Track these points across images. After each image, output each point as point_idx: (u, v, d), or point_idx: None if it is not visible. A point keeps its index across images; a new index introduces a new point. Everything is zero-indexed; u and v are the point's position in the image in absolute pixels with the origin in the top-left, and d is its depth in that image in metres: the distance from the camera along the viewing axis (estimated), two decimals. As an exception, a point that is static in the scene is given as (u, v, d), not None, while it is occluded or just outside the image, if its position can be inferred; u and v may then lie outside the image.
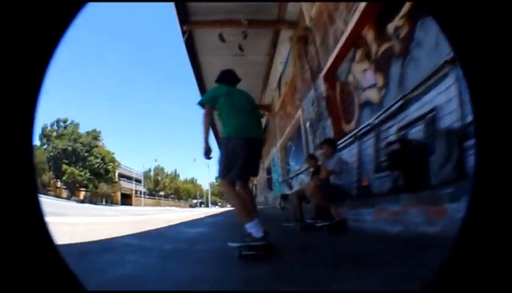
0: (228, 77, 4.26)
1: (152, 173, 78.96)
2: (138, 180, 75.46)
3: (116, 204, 57.79)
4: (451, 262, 1.04)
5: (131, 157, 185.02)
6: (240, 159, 3.62)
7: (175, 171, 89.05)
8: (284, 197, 11.48)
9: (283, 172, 16.37)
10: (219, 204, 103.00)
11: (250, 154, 3.72)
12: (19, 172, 0.94)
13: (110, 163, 52.60)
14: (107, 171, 52.09)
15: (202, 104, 3.91)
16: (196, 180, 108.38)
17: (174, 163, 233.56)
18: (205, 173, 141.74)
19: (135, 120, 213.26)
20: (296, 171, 13.17)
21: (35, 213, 0.99)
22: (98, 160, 50.10)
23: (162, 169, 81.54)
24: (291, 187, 13.73)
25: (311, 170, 8.16)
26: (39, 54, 0.97)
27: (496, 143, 0.97)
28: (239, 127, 3.71)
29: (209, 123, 3.93)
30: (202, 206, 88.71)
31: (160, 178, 80.00)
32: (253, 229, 3.45)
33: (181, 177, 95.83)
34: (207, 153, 3.89)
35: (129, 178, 72.27)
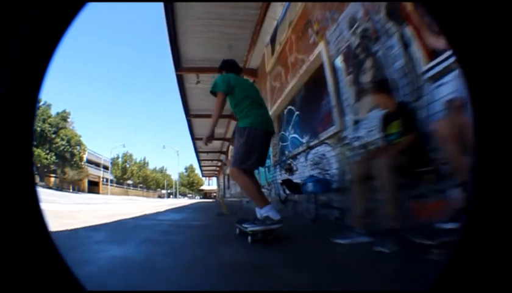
0: (233, 67, 4.25)
1: (120, 160, 73.01)
2: (106, 167, 69.78)
3: (83, 191, 52.86)
4: (454, 262, 0.97)
5: (101, 143, 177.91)
6: (258, 150, 3.67)
7: (144, 159, 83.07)
8: (288, 184, 6.88)
9: (274, 152, 11.54)
10: (189, 195, 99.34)
11: (266, 145, 3.82)
12: (19, 172, 0.90)
13: (76, 147, 47.21)
14: (73, 155, 46.58)
15: (219, 91, 3.77)
16: (166, 169, 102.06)
17: (143, 151, 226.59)
18: (175, 162, 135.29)
19: (105, 105, 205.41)
20: (304, 145, 8.20)
21: (35, 214, 0.94)
22: (64, 143, 44.65)
23: (131, 156, 75.29)
24: (291, 171, 9.07)
25: (387, 111, 3.91)
26: (39, 54, 0.92)
27: (498, 141, 0.92)
28: (260, 119, 3.74)
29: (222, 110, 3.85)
30: (171, 196, 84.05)
31: (127, 165, 73.95)
32: (271, 212, 3.50)
33: (151, 166, 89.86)
34: (210, 139, 3.91)
35: (97, 164, 66.72)
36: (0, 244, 0.83)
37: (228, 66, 4.19)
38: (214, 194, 67.72)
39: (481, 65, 0.91)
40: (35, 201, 0.92)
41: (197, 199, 58.84)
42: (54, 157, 43.25)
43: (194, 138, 26.17)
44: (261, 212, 3.52)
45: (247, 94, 3.82)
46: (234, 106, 3.86)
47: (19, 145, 0.88)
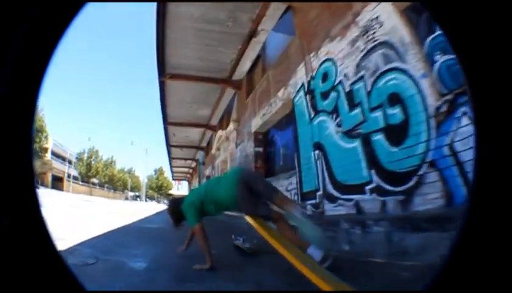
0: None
1: (85, 155, 63.58)
2: (71, 163, 60.96)
3: (47, 186, 45.81)
4: (452, 261, 0.91)
5: (67, 136, 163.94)
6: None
7: (112, 157, 73.39)
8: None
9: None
10: (157, 198, 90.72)
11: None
12: (18, 172, 0.84)
13: (38, 133, 39.49)
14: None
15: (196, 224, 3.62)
16: (134, 171, 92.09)
17: (110, 150, 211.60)
18: (143, 163, 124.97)
19: (73, 97, 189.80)
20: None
21: (34, 214, 0.88)
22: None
23: (97, 152, 65.62)
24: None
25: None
26: (39, 54, 0.86)
27: (497, 141, 0.87)
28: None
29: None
30: (138, 199, 74.99)
31: (93, 162, 64.46)
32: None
33: (118, 166, 79.56)
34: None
35: (63, 159, 58.11)
36: (0, 244, 0.78)
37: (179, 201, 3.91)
38: (184, 200, 58.95)
39: (481, 64, 0.86)
40: (34, 200, 0.86)
41: (166, 205, 50.02)
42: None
43: (166, 122, 17.64)
44: None
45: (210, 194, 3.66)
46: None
47: (19, 145, 0.84)
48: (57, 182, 53.11)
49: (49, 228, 0.89)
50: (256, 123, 9.79)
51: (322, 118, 5.62)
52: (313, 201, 5.68)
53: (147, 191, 78.06)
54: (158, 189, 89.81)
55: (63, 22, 0.86)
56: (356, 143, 4.54)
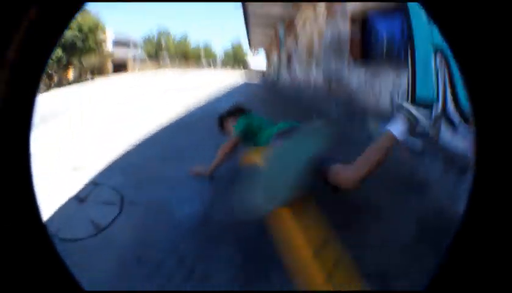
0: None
1: (155, 38, 65.74)
2: (136, 47, 64.56)
3: (106, 75, 48.15)
4: (451, 261, 0.96)
5: (134, 23, 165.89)
6: None
7: (185, 34, 73.79)
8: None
9: None
10: (232, 68, 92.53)
11: None
12: (17, 173, 0.89)
13: (92, 32, 39.10)
14: (85, 40, 38.52)
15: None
16: (210, 46, 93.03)
17: (184, 26, 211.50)
18: (220, 36, 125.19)
19: None
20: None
21: (33, 214, 0.94)
22: (75, 32, 36.49)
23: (167, 33, 67.32)
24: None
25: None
26: (37, 53, 0.91)
27: (497, 138, 0.90)
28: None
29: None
30: (213, 68, 77.34)
31: (164, 43, 66.45)
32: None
33: (193, 43, 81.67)
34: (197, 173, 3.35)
35: (125, 45, 61.11)
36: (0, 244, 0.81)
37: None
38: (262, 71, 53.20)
39: (480, 63, 0.89)
40: (32, 201, 0.90)
41: (236, 73, 46.99)
42: (60, 50, 35.20)
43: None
44: None
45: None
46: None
47: (18, 146, 0.87)
48: (119, 68, 55.86)
49: (48, 227, 0.94)
50: (354, 3, 8.71)
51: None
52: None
53: (222, 60, 79.65)
54: (233, 59, 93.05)
55: (63, 22, 0.91)
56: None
